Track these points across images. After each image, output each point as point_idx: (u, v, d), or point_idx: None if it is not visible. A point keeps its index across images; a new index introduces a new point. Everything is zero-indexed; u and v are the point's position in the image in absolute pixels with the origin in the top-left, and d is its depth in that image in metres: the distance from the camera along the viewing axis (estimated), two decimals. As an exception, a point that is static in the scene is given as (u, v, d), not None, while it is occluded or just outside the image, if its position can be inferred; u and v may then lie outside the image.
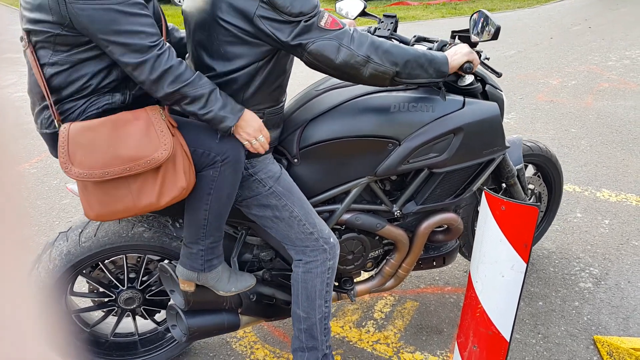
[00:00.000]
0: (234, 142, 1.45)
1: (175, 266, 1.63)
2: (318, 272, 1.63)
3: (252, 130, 1.45)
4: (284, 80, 1.55)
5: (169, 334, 1.94)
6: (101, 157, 1.31)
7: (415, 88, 1.77)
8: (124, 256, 1.75)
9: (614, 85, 5.08)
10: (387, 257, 1.95)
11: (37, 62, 1.33)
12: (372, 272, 2.02)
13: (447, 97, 1.74)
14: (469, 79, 1.81)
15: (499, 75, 1.81)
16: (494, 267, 1.23)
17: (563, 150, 3.68)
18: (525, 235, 1.17)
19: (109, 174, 1.31)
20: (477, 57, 1.63)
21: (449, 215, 1.91)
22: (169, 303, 1.75)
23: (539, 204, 1.15)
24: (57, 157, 1.40)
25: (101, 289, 1.80)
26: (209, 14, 1.38)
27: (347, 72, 1.44)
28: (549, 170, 2.38)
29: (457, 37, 1.82)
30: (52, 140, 1.40)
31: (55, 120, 1.34)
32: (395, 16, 2.02)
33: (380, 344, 2.06)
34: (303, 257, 1.63)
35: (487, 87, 1.88)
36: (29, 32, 1.31)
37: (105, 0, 1.21)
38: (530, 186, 2.37)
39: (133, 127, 1.34)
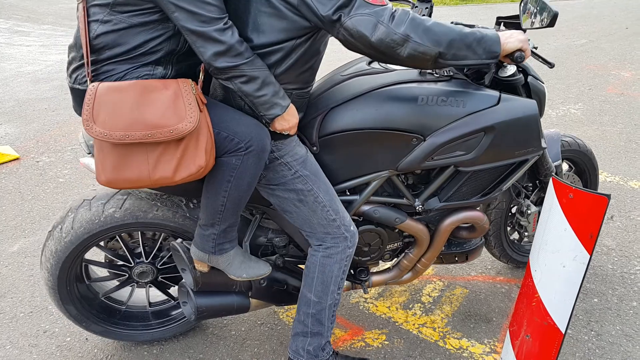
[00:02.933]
0: (261, 130, 1.41)
1: (187, 246, 1.64)
2: (337, 259, 1.60)
3: (289, 125, 1.44)
4: (317, 62, 1.49)
5: (180, 310, 1.98)
6: (124, 119, 1.28)
7: (448, 80, 1.65)
8: (139, 232, 1.77)
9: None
10: (406, 251, 1.88)
11: (86, 19, 1.31)
12: (390, 263, 1.96)
13: (482, 91, 1.62)
14: (511, 69, 1.67)
15: (551, 65, 1.66)
16: (555, 257, 1.19)
17: (631, 146, 3.51)
18: (592, 225, 1.13)
19: (129, 137, 1.28)
20: (529, 46, 1.48)
21: (475, 214, 1.80)
22: (181, 281, 1.76)
23: (609, 193, 1.10)
24: (78, 114, 1.41)
25: (116, 261, 1.84)
26: None
27: (383, 52, 1.35)
28: (584, 167, 2.27)
29: (502, 24, 1.71)
30: (81, 97, 1.37)
31: (87, 78, 1.33)
32: (430, 1, 1.90)
33: (427, 327, 2.06)
34: (323, 243, 1.60)
35: (530, 79, 1.75)
36: None
37: None
38: None
39: (161, 94, 1.31)
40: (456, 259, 1.97)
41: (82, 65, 1.35)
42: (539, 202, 2.13)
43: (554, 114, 4.06)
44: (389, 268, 1.94)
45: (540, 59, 1.67)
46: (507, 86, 1.68)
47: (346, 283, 1.88)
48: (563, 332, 1.27)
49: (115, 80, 1.33)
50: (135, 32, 1.31)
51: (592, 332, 2.00)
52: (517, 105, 1.62)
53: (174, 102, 1.30)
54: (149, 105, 1.29)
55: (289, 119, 1.43)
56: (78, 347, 1.97)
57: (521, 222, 2.14)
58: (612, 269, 2.36)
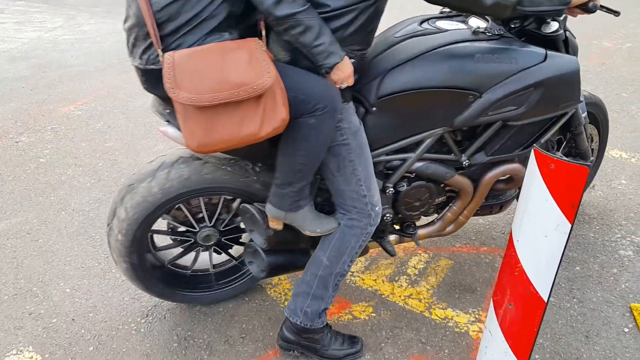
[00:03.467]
0: (334, 91, 1.46)
1: (257, 208, 1.70)
2: (357, 232, 1.65)
3: (345, 75, 1.46)
4: (377, 23, 1.53)
5: (244, 268, 2.03)
6: (209, 82, 1.31)
7: (498, 39, 1.75)
8: (200, 198, 1.81)
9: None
10: (450, 204, 1.98)
11: None
12: (433, 218, 2.05)
13: (529, 48, 1.72)
14: (554, 25, 1.78)
15: (617, 14, 1.82)
16: (537, 227, 1.21)
17: (612, 115, 3.52)
18: (573, 194, 1.14)
19: (217, 99, 1.31)
20: None
21: (514, 166, 1.91)
22: (248, 242, 1.84)
23: (589, 163, 1.11)
24: (151, 92, 1.48)
25: (180, 228, 1.89)
26: None
27: (467, 1, 1.46)
28: (597, 115, 2.37)
29: None
30: (156, 76, 1.38)
31: (159, 51, 1.34)
32: None
33: (412, 298, 2.09)
34: (348, 214, 1.65)
35: (568, 34, 1.87)
36: None
37: None
38: None
39: (238, 54, 1.34)
40: (491, 210, 2.10)
41: (151, 44, 1.36)
42: (568, 155, 2.28)
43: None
44: (433, 221, 2.04)
45: (605, 9, 1.79)
46: (549, 42, 1.79)
47: (394, 237, 1.98)
48: (545, 301, 1.30)
49: None
50: None
51: (574, 300, 2.05)
52: (562, 61, 1.74)
53: (250, 60, 1.34)
54: (230, 65, 1.32)
55: (344, 69, 1.45)
56: (64, 328, 1.96)
57: None
58: (593, 237, 2.41)
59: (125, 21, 1.44)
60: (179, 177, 1.68)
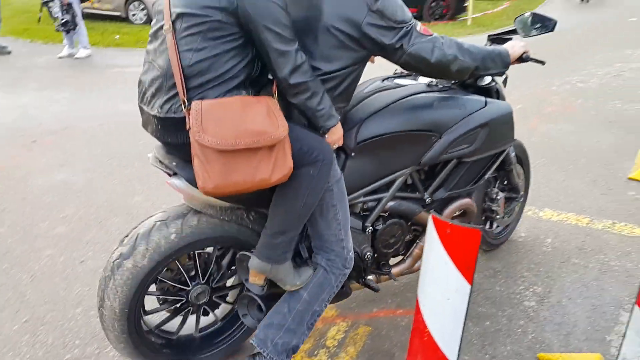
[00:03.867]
0: (329, 145, 1.68)
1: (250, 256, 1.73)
2: (337, 273, 1.79)
3: (338, 137, 1.72)
4: (357, 84, 1.82)
5: (229, 330, 2.04)
6: (232, 129, 1.46)
7: (447, 90, 2.14)
8: (194, 252, 1.84)
9: (557, 109, 5.33)
10: (417, 241, 2.20)
11: (177, 49, 1.48)
12: (402, 257, 2.24)
13: (472, 96, 2.14)
14: (487, 79, 2.25)
15: (543, 63, 2.17)
16: (440, 290, 1.24)
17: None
18: (469, 257, 1.19)
19: (240, 144, 1.45)
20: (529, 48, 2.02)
21: (466, 201, 2.24)
22: (241, 293, 1.89)
23: (481, 226, 1.18)
24: (165, 139, 1.62)
25: (173, 288, 1.87)
26: (316, 21, 1.63)
27: (439, 69, 1.76)
28: (521, 155, 2.74)
29: (492, 40, 2.28)
30: (175, 124, 1.53)
31: (185, 100, 1.48)
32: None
33: (333, 370, 2.04)
34: (327, 255, 1.78)
35: (498, 85, 2.31)
36: (179, 17, 1.47)
37: None
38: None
39: (258, 107, 1.52)
40: None
41: (175, 95, 1.51)
42: (503, 190, 2.67)
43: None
44: (403, 259, 2.22)
45: (534, 60, 2.14)
46: (484, 92, 2.24)
47: (373, 276, 2.12)
48: (455, 362, 1.32)
49: None
50: (226, 58, 1.50)
51: (487, 356, 2.10)
52: (499, 105, 2.19)
53: (268, 113, 1.52)
54: (250, 116, 1.50)
55: (337, 132, 1.71)
56: None
57: (493, 208, 2.52)
58: (499, 290, 2.52)
59: (145, 73, 1.61)
60: (177, 232, 1.72)
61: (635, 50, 8.11)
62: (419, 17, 11.16)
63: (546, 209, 3.28)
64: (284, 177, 1.54)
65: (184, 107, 1.48)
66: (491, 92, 2.26)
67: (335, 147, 1.72)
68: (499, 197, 2.50)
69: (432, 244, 1.23)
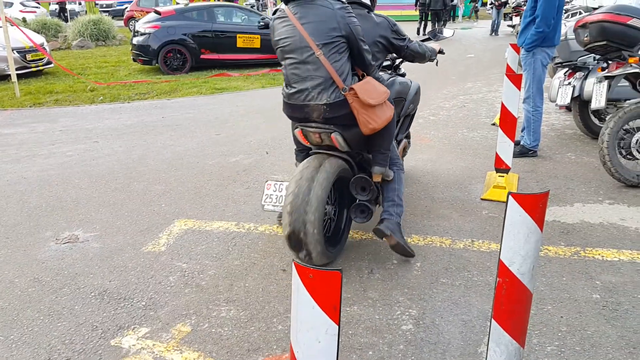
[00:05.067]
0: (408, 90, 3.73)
1: (365, 177, 3.09)
2: (401, 171, 3.33)
3: (438, 49, 3.78)
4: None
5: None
6: (375, 94, 2.84)
7: (394, 76, 3.77)
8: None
9: (414, 140, 5.78)
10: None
11: (329, 61, 2.78)
12: None
13: (406, 79, 3.88)
14: (403, 69, 3.99)
15: (443, 53, 3.94)
16: (310, 334, 1.28)
17: (377, 204, 4.04)
18: (333, 298, 1.25)
19: (380, 101, 2.86)
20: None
21: (405, 141, 4.12)
22: (353, 205, 3.14)
23: (340, 268, 1.24)
24: (331, 116, 2.86)
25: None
26: (370, 39, 3.17)
27: (420, 58, 3.50)
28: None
29: (425, 38, 4.22)
30: (340, 104, 2.83)
31: (344, 88, 2.80)
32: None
33: None
34: (395, 165, 3.31)
35: (403, 72, 4.03)
36: (324, 45, 2.76)
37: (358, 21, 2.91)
38: None
39: (373, 81, 2.93)
40: None
41: (336, 88, 2.82)
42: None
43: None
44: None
45: (441, 52, 3.90)
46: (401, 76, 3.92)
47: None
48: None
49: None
50: (347, 61, 2.89)
51: (371, 385, 2.17)
52: (416, 83, 3.99)
53: (378, 84, 2.97)
54: (376, 87, 2.90)
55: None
56: None
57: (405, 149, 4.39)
58: (379, 318, 2.63)
59: (301, 84, 2.87)
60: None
61: (475, 84, 9.15)
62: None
63: (413, 235, 3.52)
64: (391, 115, 2.96)
65: (344, 92, 2.78)
66: (404, 76, 3.91)
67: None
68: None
69: (298, 290, 1.28)
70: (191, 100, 8.32)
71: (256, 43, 11.39)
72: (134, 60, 11.33)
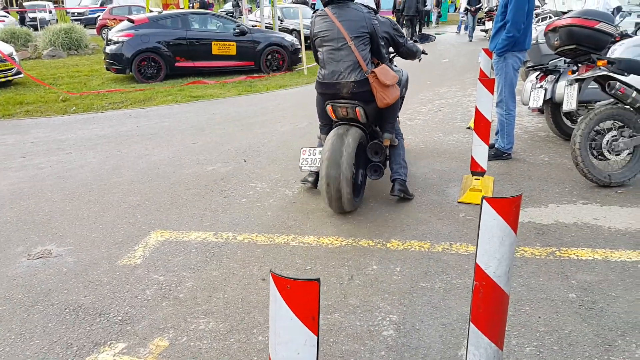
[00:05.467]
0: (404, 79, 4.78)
1: (379, 142, 4.00)
2: (402, 139, 4.33)
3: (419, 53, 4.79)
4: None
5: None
6: (390, 76, 3.78)
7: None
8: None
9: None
10: None
11: (357, 50, 3.74)
12: None
13: (399, 69, 4.71)
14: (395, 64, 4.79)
15: (426, 54, 4.94)
16: (289, 346, 1.27)
17: (356, 210, 4.05)
18: (311, 309, 1.24)
19: (393, 82, 3.80)
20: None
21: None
22: (368, 165, 4.03)
23: (318, 278, 1.23)
24: (356, 92, 3.76)
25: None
26: (378, 34, 3.87)
27: (412, 55, 4.54)
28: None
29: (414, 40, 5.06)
30: (363, 82, 3.76)
31: (366, 71, 3.75)
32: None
33: None
34: (398, 134, 4.30)
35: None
36: (354, 38, 3.74)
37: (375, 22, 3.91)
38: None
39: (387, 67, 3.85)
40: None
41: (361, 70, 3.75)
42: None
43: (290, 193, 4.45)
44: None
45: (425, 53, 4.84)
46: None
47: None
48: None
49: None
50: (369, 52, 3.86)
51: (353, 393, 2.16)
52: (406, 72, 4.79)
53: (389, 70, 3.88)
54: (389, 71, 3.84)
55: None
56: None
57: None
58: (360, 325, 2.62)
59: (335, 66, 3.80)
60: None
61: (450, 88, 9.25)
62: (257, 69, 11.59)
63: (392, 239, 3.53)
64: (398, 94, 3.89)
65: (367, 74, 3.72)
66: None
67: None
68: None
69: (275, 302, 1.26)
70: (166, 109, 8.23)
71: (232, 50, 11.35)
72: (107, 69, 11.18)
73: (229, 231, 3.75)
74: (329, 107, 3.89)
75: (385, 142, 3.99)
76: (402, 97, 4.73)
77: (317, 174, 4.14)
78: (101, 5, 26.69)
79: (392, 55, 4.61)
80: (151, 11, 14.92)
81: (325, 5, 3.92)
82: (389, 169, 4.22)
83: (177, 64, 10.96)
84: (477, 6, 17.50)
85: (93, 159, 5.66)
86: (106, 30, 15.68)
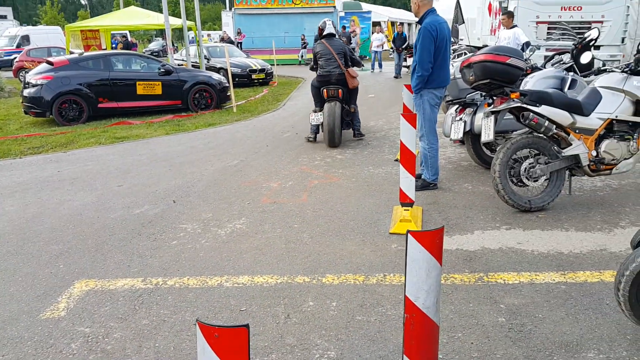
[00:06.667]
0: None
1: (348, 111, 7.81)
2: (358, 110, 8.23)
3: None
4: None
5: None
6: (354, 73, 7.71)
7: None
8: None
9: (322, 181, 5.88)
10: None
11: (339, 59, 7.46)
12: None
13: None
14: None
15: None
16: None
17: (290, 246, 4.03)
18: (241, 357, 1.20)
19: (356, 76, 7.83)
20: None
21: None
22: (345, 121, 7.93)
23: (247, 323, 1.20)
24: (337, 80, 7.45)
25: None
26: (346, 53, 7.56)
27: (359, 64, 8.19)
28: None
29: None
30: (340, 75, 7.42)
31: (342, 67, 7.45)
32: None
33: None
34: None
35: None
36: (338, 53, 7.43)
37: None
38: None
39: (353, 69, 7.88)
40: None
41: (338, 66, 7.41)
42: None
43: (223, 233, 4.37)
44: None
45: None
46: None
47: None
48: None
49: None
50: (343, 60, 7.64)
51: None
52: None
53: (355, 71, 7.91)
54: (354, 71, 7.85)
55: None
56: None
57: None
58: (297, 366, 2.58)
59: (328, 66, 7.40)
60: None
61: (377, 122, 9.56)
62: (185, 108, 11.47)
63: (328, 274, 3.53)
64: (358, 83, 7.71)
65: (344, 71, 7.39)
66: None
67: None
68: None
69: (204, 352, 1.21)
70: (89, 152, 7.91)
71: (157, 89, 11.17)
72: (26, 112, 10.63)
73: (159, 276, 3.61)
74: (324, 90, 7.36)
75: (351, 109, 7.61)
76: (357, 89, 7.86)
77: (315, 133, 7.75)
78: (17, 47, 25.57)
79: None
80: (72, 53, 14.48)
81: (321, 38, 7.63)
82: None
83: (100, 105, 10.62)
84: (402, 46, 18.33)
85: (11, 207, 5.31)
86: (24, 72, 14.98)
